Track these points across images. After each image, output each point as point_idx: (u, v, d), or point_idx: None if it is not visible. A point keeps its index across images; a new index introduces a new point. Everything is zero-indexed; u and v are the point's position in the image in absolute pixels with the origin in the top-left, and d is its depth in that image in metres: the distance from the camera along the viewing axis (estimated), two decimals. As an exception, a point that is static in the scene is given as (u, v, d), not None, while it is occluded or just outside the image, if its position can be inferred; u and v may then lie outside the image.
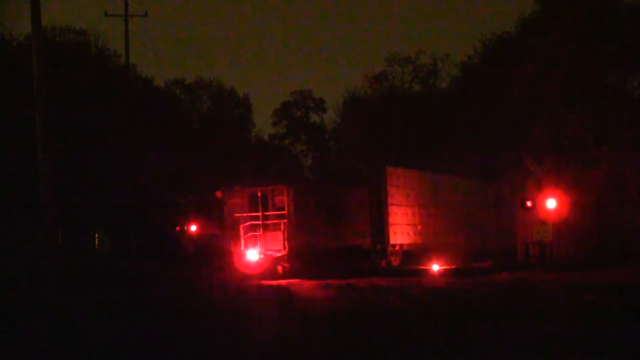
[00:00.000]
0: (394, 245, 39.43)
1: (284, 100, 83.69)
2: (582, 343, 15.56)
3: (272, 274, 33.67)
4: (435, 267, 35.86)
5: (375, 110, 65.85)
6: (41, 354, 15.76)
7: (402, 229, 40.15)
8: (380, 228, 38.74)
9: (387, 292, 26.52)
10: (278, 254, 34.03)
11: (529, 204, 38.93)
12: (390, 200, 39.17)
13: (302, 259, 34.52)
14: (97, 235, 44.06)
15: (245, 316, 20.93)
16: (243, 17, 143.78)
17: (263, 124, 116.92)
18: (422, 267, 37.63)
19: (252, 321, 19.90)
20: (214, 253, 37.78)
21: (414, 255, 41.15)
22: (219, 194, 36.45)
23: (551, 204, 37.65)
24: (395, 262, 39.48)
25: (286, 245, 33.89)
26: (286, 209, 34.09)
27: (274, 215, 34.17)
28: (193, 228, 43.21)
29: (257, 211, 34.29)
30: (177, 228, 46.96)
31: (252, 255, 33.92)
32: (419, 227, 41.93)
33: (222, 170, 56.95)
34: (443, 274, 34.55)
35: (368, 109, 67.16)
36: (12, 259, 34.98)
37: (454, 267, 36.72)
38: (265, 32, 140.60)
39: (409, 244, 40.85)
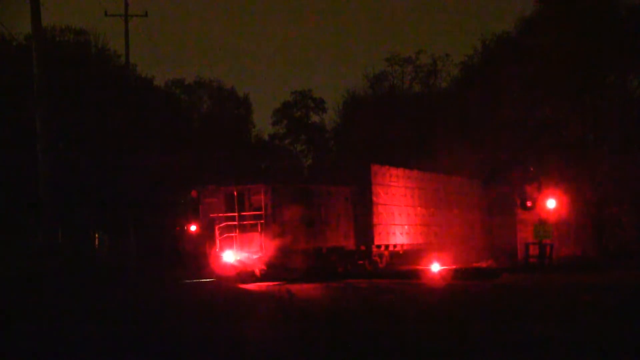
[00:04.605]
0: (379, 246, 38.36)
1: (284, 100, 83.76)
2: (582, 343, 15.56)
3: (248, 276, 32.62)
4: (436, 268, 35.74)
5: (375, 110, 65.86)
6: (41, 354, 15.75)
7: (388, 229, 39.13)
8: (365, 228, 37.49)
9: (387, 292, 26.52)
10: (255, 256, 32.85)
11: (529, 204, 38.97)
12: (375, 199, 38.08)
13: (280, 261, 33.33)
14: (97, 235, 44.01)
15: (245, 316, 20.93)
16: (243, 17, 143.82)
17: (263, 124, 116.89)
18: (412, 268, 37.35)
19: (252, 321, 19.91)
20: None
21: (403, 256, 40.61)
22: (194, 193, 35.41)
23: (551, 204, 37.70)
24: (381, 263, 38.73)
25: (264, 246, 32.74)
26: (264, 208, 32.90)
27: (251, 215, 32.95)
28: (193, 228, 43.06)
29: (234, 211, 33.04)
30: (177, 228, 46.91)
31: (228, 257, 32.68)
32: (407, 227, 41.19)
33: (222, 170, 56.91)
34: (434, 275, 34.21)
35: (368, 109, 67.17)
36: (12, 259, 34.97)
37: (447, 267, 36.45)
38: (265, 32, 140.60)
39: (395, 245, 39.87)
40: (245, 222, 33.10)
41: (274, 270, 33.10)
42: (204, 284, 32.23)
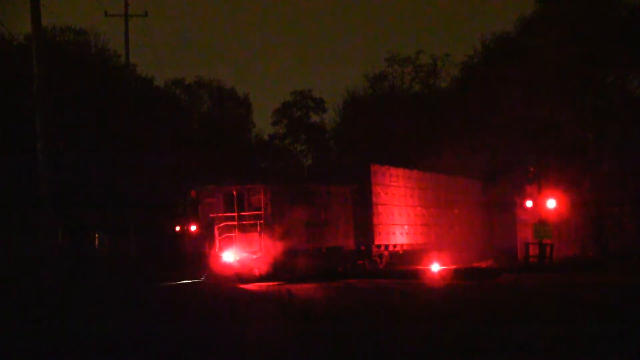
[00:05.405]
0: (379, 246, 38.33)
1: (284, 100, 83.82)
2: (582, 343, 15.56)
3: (248, 276, 32.48)
4: (436, 268, 35.73)
5: (375, 110, 65.91)
6: (41, 354, 15.75)
7: (388, 229, 39.08)
8: (365, 228, 37.43)
9: (387, 292, 26.53)
10: (254, 256, 32.76)
11: (529, 204, 38.92)
12: (375, 199, 38.04)
13: (280, 261, 33.22)
14: (97, 235, 44.02)
15: (245, 316, 20.94)
16: (243, 17, 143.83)
17: (263, 124, 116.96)
18: (412, 268, 37.32)
19: (252, 321, 19.91)
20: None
21: (403, 256, 40.57)
22: (193, 193, 35.27)
23: (551, 204, 37.66)
24: (380, 263, 38.67)
25: (263, 246, 32.69)
26: (263, 208, 32.83)
27: (250, 215, 32.86)
28: (193, 228, 43.05)
29: (233, 211, 32.97)
30: (177, 228, 46.90)
31: (228, 257, 32.63)
32: (407, 227, 41.11)
33: (222, 170, 56.95)
34: (434, 275, 34.17)
35: (368, 109, 67.20)
36: (12, 259, 34.98)
37: (447, 267, 36.41)
38: (265, 32, 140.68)
39: (395, 245, 39.79)
40: (244, 222, 33.04)
41: (274, 270, 33.06)
42: (193, 285, 32.07)
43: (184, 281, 33.41)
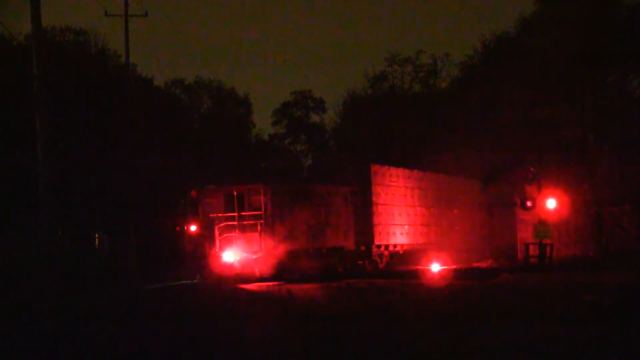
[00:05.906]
0: (379, 246, 38.39)
1: (284, 100, 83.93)
2: (582, 343, 15.56)
3: (248, 276, 32.47)
4: (436, 268, 35.73)
5: (375, 110, 65.91)
6: (41, 354, 15.76)
7: (388, 229, 39.12)
8: (365, 228, 37.49)
9: (387, 292, 26.53)
10: (254, 256, 32.76)
11: (529, 204, 38.88)
12: (375, 199, 38.10)
13: (280, 261, 33.19)
14: (97, 235, 44.02)
15: (245, 316, 20.94)
16: (243, 17, 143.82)
17: (263, 124, 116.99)
18: (412, 268, 37.33)
19: (252, 321, 19.91)
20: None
21: (403, 256, 40.60)
22: (193, 193, 35.27)
23: (551, 204, 37.62)
24: (381, 263, 38.69)
25: (263, 246, 32.70)
26: (263, 209, 32.82)
27: (250, 215, 32.88)
28: (193, 228, 43.06)
29: (233, 211, 32.98)
30: (177, 228, 46.90)
31: (228, 257, 32.66)
32: (407, 227, 41.11)
33: (222, 170, 56.95)
34: (434, 275, 34.18)
35: (368, 109, 67.22)
36: (12, 259, 34.98)
37: (447, 267, 36.42)
38: (265, 32, 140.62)
39: (395, 245, 39.87)
40: (244, 222, 33.04)
41: (274, 270, 33.06)
42: (192, 285, 32.01)
43: (183, 281, 33.42)
